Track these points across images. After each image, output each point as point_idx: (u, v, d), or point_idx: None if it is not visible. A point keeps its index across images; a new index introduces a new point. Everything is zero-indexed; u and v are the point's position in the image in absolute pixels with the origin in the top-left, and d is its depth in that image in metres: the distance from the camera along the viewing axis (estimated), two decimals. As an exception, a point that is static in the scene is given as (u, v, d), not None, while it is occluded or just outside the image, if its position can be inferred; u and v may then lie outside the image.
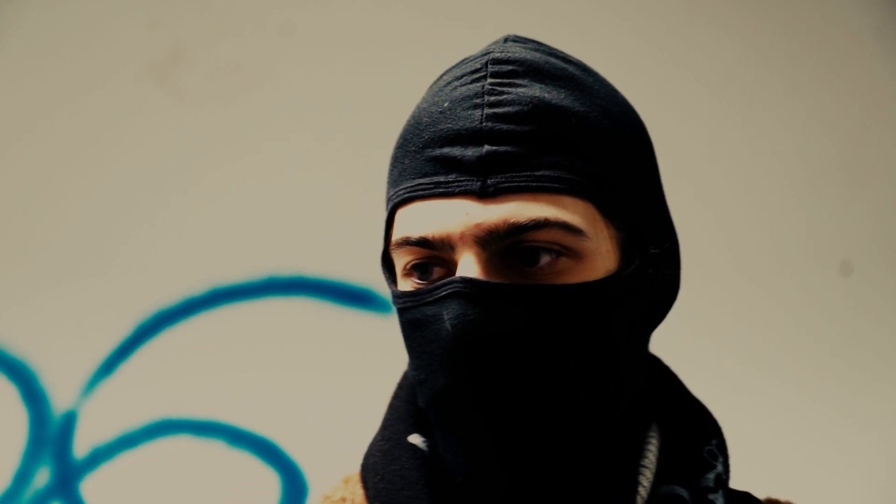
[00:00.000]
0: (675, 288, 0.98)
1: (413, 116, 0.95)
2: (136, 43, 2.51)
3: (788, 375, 2.44)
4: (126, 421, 2.50)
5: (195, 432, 2.50)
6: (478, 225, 0.86)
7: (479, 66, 0.92)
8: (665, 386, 1.03)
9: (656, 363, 1.05)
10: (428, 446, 0.96)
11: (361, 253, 2.46)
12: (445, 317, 0.86)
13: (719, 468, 0.98)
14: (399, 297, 0.93)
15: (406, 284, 0.93)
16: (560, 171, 0.87)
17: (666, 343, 2.36)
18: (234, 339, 2.49)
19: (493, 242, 0.87)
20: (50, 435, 2.50)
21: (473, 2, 2.49)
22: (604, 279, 0.88)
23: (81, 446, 2.50)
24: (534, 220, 0.86)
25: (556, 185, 0.87)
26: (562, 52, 0.97)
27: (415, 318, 0.90)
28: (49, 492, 2.49)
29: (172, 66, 2.51)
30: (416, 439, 0.97)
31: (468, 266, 0.87)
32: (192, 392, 2.50)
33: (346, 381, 2.45)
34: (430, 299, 0.88)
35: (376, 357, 2.42)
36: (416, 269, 0.91)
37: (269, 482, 2.48)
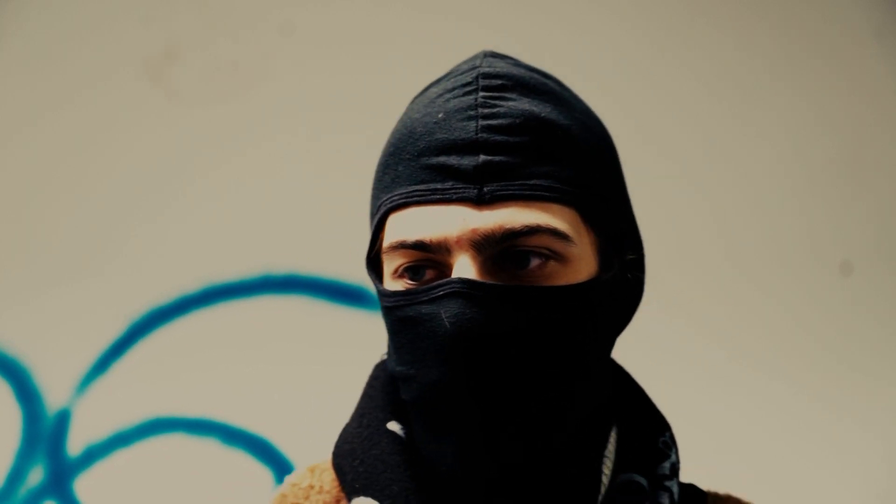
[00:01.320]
0: (641, 293, 1.06)
1: (404, 125, 1.00)
2: (129, 41, 2.51)
3: (789, 375, 2.44)
4: (120, 419, 2.50)
5: (189, 430, 2.49)
6: (474, 230, 0.92)
7: (471, 80, 0.98)
8: (621, 385, 1.09)
9: (612, 365, 1.11)
10: (405, 434, 1.01)
11: (356, 251, 2.44)
12: (444, 315, 0.91)
13: (673, 458, 1.06)
14: (390, 295, 0.97)
15: (396, 285, 0.97)
16: (550, 181, 0.93)
17: (666, 344, 2.39)
18: (228, 337, 2.49)
19: (488, 246, 0.92)
20: (44, 433, 2.50)
21: (471, 1, 2.49)
22: (588, 282, 0.95)
23: (75, 444, 2.50)
24: (527, 226, 0.92)
25: (547, 194, 0.93)
26: (538, 68, 1.04)
27: (408, 315, 0.95)
28: (43, 490, 2.49)
29: (167, 64, 2.51)
30: (394, 426, 1.03)
31: (465, 268, 0.92)
32: (186, 390, 2.49)
33: (340, 378, 2.43)
34: (425, 298, 0.93)
35: (370, 355, 2.40)
36: (409, 271, 0.96)
37: (263, 480, 2.48)
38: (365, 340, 2.44)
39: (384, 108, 2.44)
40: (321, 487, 1.08)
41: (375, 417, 1.05)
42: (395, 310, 0.97)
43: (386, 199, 0.98)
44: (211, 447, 2.49)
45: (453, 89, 0.98)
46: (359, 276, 2.48)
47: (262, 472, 2.48)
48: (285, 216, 2.50)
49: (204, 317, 2.50)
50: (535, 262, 0.93)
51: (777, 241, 2.46)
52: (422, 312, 0.93)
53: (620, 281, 1.00)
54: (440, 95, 0.99)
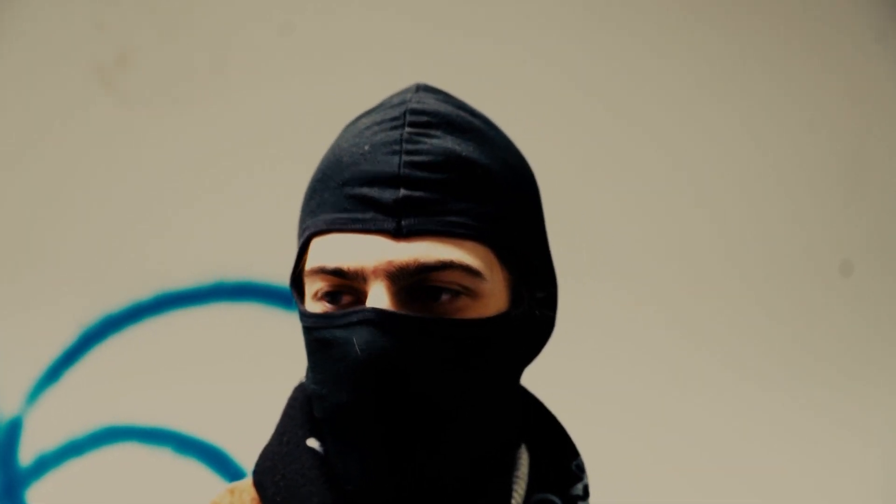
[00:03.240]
0: (551, 329, 1.09)
1: (333, 153, 1.04)
2: (83, 45, 2.50)
3: (788, 380, 2.46)
4: (72, 428, 2.48)
5: (142, 439, 2.48)
6: (390, 262, 0.96)
7: (398, 115, 1.01)
8: (532, 411, 1.14)
9: (524, 392, 1.15)
10: (324, 450, 1.04)
11: (310, 258, 2.46)
12: (355, 341, 0.95)
13: (585, 480, 1.10)
14: (309, 316, 1.01)
15: (316, 307, 1.01)
16: (466, 218, 0.97)
17: (665, 344, 2.40)
18: (182, 344, 2.48)
19: (402, 278, 0.96)
20: (-5, 442, 2.49)
21: (460, 8, 2.51)
22: (495, 317, 0.99)
23: (27, 454, 2.49)
24: (440, 261, 0.96)
25: (462, 231, 0.97)
26: (467, 105, 1.07)
27: (324, 337, 0.99)
28: (-6, 500, 2.48)
29: (119, 70, 2.50)
30: (313, 443, 1.05)
31: (379, 297, 0.96)
32: (139, 399, 2.48)
33: (293, 386, 2.44)
34: (340, 323, 0.97)
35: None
36: (327, 296, 1.00)
37: (217, 490, 2.46)
38: (319, 348, 2.45)
39: (332, 116, 2.47)
40: None
41: (295, 435, 1.08)
42: (313, 330, 1.00)
43: (310, 224, 1.02)
44: (164, 456, 2.48)
45: (381, 122, 1.01)
46: (313, 283, 2.49)
47: (216, 482, 2.47)
48: (238, 223, 2.49)
49: (157, 324, 2.49)
50: (445, 296, 0.97)
51: (776, 244, 2.48)
52: (336, 336, 0.97)
53: (528, 317, 1.04)
54: (369, 127, 1.02)
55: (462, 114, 1.04)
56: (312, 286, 1.01)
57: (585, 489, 1.10)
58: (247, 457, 2.47)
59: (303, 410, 1.09)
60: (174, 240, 2.50)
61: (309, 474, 1.03)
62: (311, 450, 1.04)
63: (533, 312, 1.04)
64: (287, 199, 2.45)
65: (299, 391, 1.13)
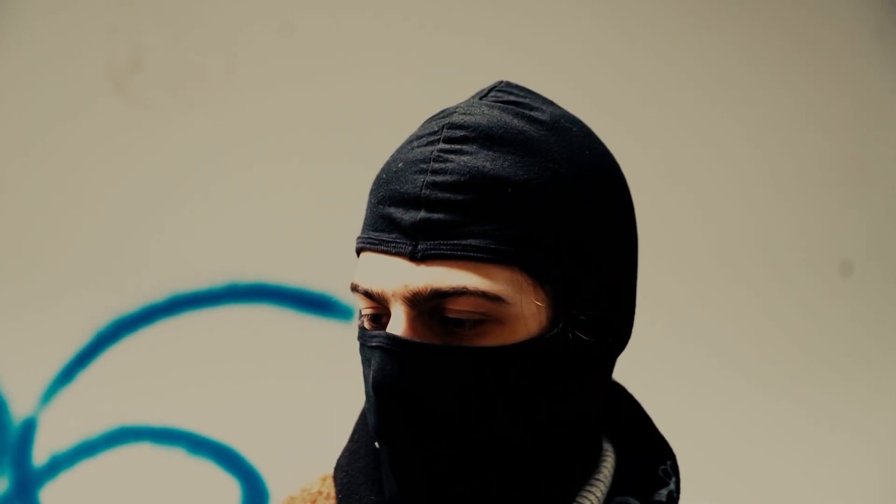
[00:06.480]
0: (613, 350, 1.03)
1: (385, 164, 1.01)
2: (97, 49, 2.50)
3: (788, 382, 2.47)
4: (86, 428, 2.49)
5: (155, 440, 2.49)
6: (406, 286, 0.94)
7: (437, 129, 0.97)
8: (624, 411, 1.10)
9: (618, 390, 1.12)
10: None
11: (323, 260, 2.47)
12: (373, 365, 0.95)
13: (672, 486, 1.06)
14: (358, 329, 1.02)
15: (363, 322, 1.01)
16: (487, 241, 0.93)
17: (664, 345, 2.41)
18: (195, 346, 2.49)
19: (419, 304, 0.94)
20: (9, 442, 2.49)
21: (460, 9, 2.51)
22: (517, 344, 0.95)
23: (41, 454, 2.49)
24: (454, 288, 0.92)
25: (480, 255, 0.92)
26: (538, 108, 1.01)
27: (362, 355, 1.00)
28: (8, 500, 2.48)
29: (133, 74, 2.50)
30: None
31: (396, 323, 0.95)
32: (152, 399, 2.49)
33: (306, 387, 2.46)
34: (367, 344, 0.97)
35: (336, 364, 2.42)
36: (370, 316, 0.99)
37: (230, 490, 2.48)
38: (331, 349, 2.47)
39: (350, 120, 2.49)
40: (328, 494, 1.11)
41: (364, 434, 1.09)
42: (360, 346, 1.01)
43: (358, 237, 1.01)
44: (177, 456, 2.49)
45: (421, 136, 0.99)
46: (325, 284, 2.50)
47: (228, 482, 2.48)
48: (251, 225, 2.50)
49: (170, 326, 2.50)
50: (468, 322, 0.94)
51: (776, 244, 2.49)
52: (365, 356, 0.99)
53: (563, 340, 0.96)
54: (410, 141, 1.00)
55: (514, 122, 0.97)
56: (357, 302, 1.01)
57: (671, 495, 1.05)
58: (259, 456, 2.48)
59: None
60: (187, 242, 2.50)
61: (372, 474, 1.05)
62: (377, 450, 1.04)
63: (566, 335, 0.97)
64: (299, 200, 2.50)
65: None
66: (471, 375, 0.93)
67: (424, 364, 0.93)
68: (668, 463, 1.07)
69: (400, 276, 0.94)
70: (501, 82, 1.04)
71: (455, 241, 0.93)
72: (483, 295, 0.92)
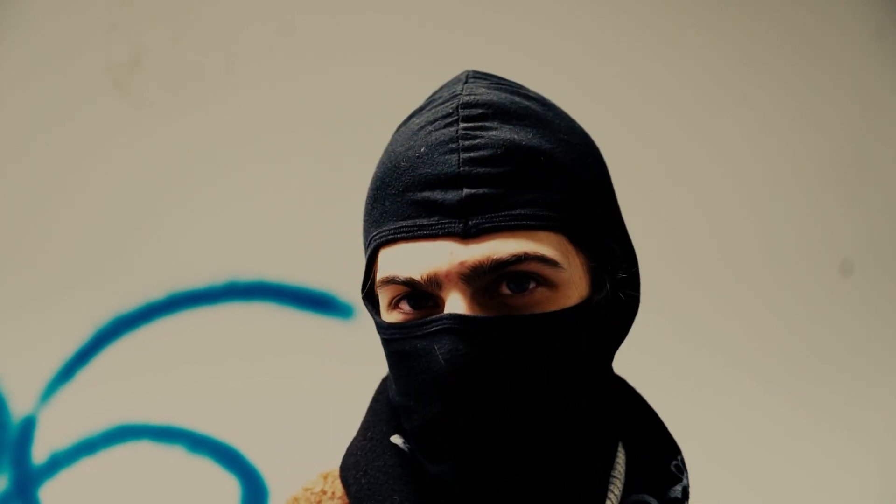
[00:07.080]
0: (636, 310, 1.06)
1: (389, 159, 1.00)
2: (97, 47, 2.51)
3: (788, 382, 2.47)
4: (85, 426, 2.49)
5: (155, 438, 2.49)
6: (462, 263, 0.93)
7: (451, 111, 0.98)
8: (630, 406, 1.10)
9: (622, 384, 1.12)
10: (408, 447, 1.03)
11: (322, 258, 2.47)
12: (438, 351, 0.92)
13: (685, 482, 1.07)
14: (386, 328, 0.99)
15: (393, 316, 0.99)
16: (534, 209, 0.94)
17: (664, 344, 2.41)
18: (194, 344, 2.49)
19: (477, 278, 0.94)
20: (8, 440, 2.49)
21: (459, 9, 2.51)
22: (577, 305, 0.96)
23: (40, 452, 2.49)
24: (514, 255, 0.93)
25: (532, 223, 0.94)
26: (522, 88, 1.04)
27: (404, 349, 0.97)
28: (7, 498, 2.48)
29: (133, 72, 2.51)
30: (397, 440, 1.04)
31: (456, 303, 0.94)
32: (152, 397, 2.49)
33: (306, 385, 2.46)
34: (419, 333, 0.95)
35: (337, 362, 2.43)
36: (407, 299, 0.97)
37: (229, 488, 2.48)
38: (331, 347, 2.47)
39: (352, 118, 2.49)
40: (333, 493, 1.09)
41: (379, 430, 1.07)
42: (392, 342, 0.98)
43: (376, 235, 0.99)
44: (177, 454, 2.49)
45: (434, 121, 0.98)
46: (325, 282, 2.50)
47: (228, 480, 2.48)
48: (250, 223, 2.50)
49: (169, 324, 2.50)
50: (527, 286, 0.94)
51: (776, 244, 2.49)
52: (417, 347, 0.95)
53: (612, 300, 1.00)
54: (422, 127, 0.99)
55: (516, 99, 1.00)
56: (386, 296, 0.98)
57: (685, 491, 1.06)
58: (259, 455, 2.48)
59: (388, 405, 1.06)
60: (187, 240, 2.50)
61: (392, 472, 1.02)
62: (395, 446, 1.03)
63: (617, 294, 1.00)
64: (299, 199, 2.50)
65: (385, 384, 1.10)
66: (541, 343, 0.94)
67: (496, 338, 0.92)
68: (679, 458, 1.09)
69: (452, 256, 0.93)
70: (471, 71, 1.06)
71: (505, 213, 0.93)
72: (542, 259, 0.93)
